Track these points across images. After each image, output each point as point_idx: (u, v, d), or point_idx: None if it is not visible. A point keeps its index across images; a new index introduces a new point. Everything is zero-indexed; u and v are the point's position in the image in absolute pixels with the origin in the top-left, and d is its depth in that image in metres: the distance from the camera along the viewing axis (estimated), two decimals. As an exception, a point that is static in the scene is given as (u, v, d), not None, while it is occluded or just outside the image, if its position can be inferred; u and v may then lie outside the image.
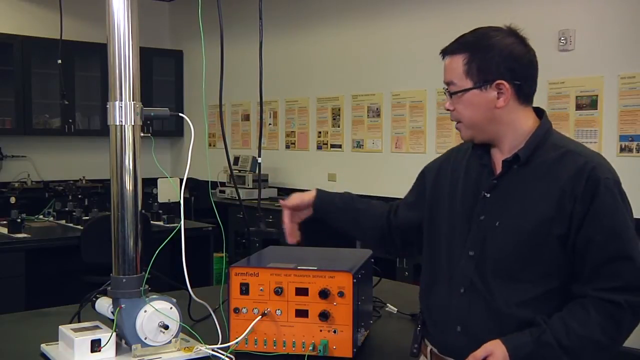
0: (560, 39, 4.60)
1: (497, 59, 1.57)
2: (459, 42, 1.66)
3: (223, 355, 1.75)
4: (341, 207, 2.03)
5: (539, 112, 1.67)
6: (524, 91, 1.60)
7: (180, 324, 1.81)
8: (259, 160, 2.42)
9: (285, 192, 6.72)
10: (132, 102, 1.78)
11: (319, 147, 6.66)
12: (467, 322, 1.61)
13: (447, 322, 1.65)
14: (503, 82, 1.56)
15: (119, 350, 1.79)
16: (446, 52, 1.69)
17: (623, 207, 1.52)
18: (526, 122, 1.63)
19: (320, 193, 2.01)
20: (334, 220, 2.02)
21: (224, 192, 6.91)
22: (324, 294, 1.77)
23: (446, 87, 1.68)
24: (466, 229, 1.64)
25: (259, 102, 2.20)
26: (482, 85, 1.58)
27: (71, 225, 4.82)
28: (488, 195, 1.63)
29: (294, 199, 2.00)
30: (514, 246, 1.57)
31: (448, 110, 1.68)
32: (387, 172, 5.95)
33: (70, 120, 7.34)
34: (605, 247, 1.49)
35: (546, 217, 1.53)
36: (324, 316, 1.77)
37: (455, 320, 1.63)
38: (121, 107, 1.77)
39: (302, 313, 1.79)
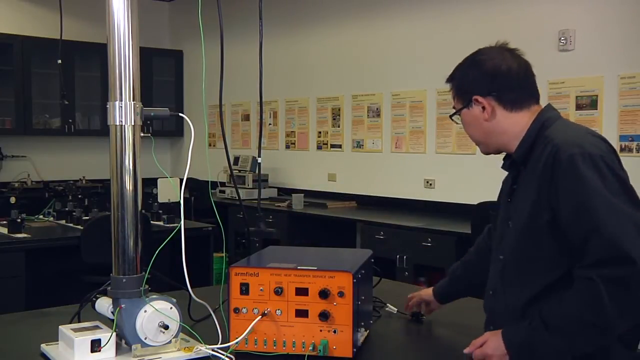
0: (560, 39, 4.60)
1: (470, 77, 1.72)
2: (453, 70, 1.81)
3: (223, 355, 1.75)
4: (462, 290, 2.13)
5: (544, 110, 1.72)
6: (507, 99, 1.68)
7: (180, 324, 1.81)
8: (259, 160, 2.42)
9: (285, 192, 6.73)
10: (132, 102, 1.78)
11: (319, 147, 6.66)
12: (495, 323, 1.71)
13: (486, 323, 1.79)
14: (477, 97, 1.69)
15: (119, 350, 1.79)
16: (447, 81, 1.84)
17: (593, 177, 1.48)
18: (520, 126, 1.69)
19: (438, 297, 2.12)
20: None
21: (224, 192, 6.91)
22: (324, 294, 1.77)
23: None
24: (500, 235, 1.75)
25: (259, 102, 2.20)
26: (467, 105, 1.72)
27: (71, 225, 4.82)
28: (509, 200, 1.74)
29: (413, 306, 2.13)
30: (518, 244, 1.64)
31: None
32: (387, 172, 5.95)
33: (70, 120, 7.34)
34: (577, 223, 1.49)
35: (535, 210, 1.59)
36: (324, 316, 1.77)
37: (488, 321, 1.77)
38: (121, 107, 1.77)
39: (302, 313, 1.79)
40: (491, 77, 1.68)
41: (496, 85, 1.68)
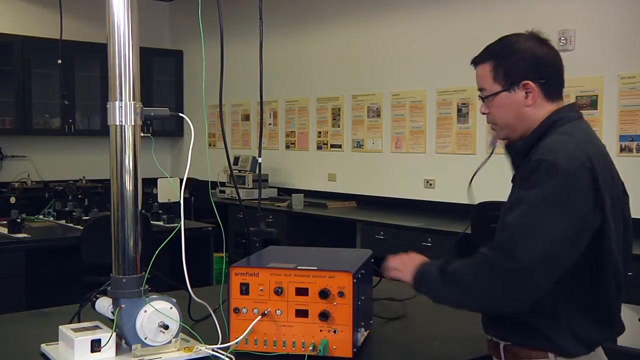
0: (560, 39, 4.60)
1: (521, 61, 1.67)
2: (486, 51, 1.76)
3: (223, 355, 1.75)
4: None
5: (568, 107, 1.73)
6: (549, 89, 1.69)
7: (180, 324, 1.81)
8: (259, 160, 2.42)
9: (285, 192, 6.73)
10: (132, 102, 1.78)
11: (319, 147, 6.66)
12: (485, 317, 1.81)
13: (482, 318, 1.84)
14: (529, 82, 1.66)
15: (119, 350, 1.79)
16: (475, 61, 1.78)
17: (541, 184, 1.51)
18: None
19: None
20: None
21: (224, 192, 6.91)
22: (324, 294, 1.77)
23: (480, 93, 1.78)
24: None
25: (259, 102, 2.20)
26: (509, 88, 1.68)
27: (71, 225, 4.82)
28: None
29: None
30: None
31: (484, 114, 1.77)
32: (387, 172, 5.95)
33: (70, 120, 7.34)
34: (504, 214, 1.58)
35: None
36: (324, 316, 1.77)
37: (482, 316, 1.83)
38: (121, 107, 1.77)
39: (302, 313, 1.79)
40: (541, 64, 1.67)
41: (545, 73, 1.68)
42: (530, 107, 1.68)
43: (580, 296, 1.62)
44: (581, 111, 1.78)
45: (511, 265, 1.50)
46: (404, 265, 1.79)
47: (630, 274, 3.64)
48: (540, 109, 1.69)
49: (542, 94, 1.68)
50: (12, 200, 5.02)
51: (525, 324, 1.63)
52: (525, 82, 1.66)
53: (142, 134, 1.81)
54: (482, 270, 1.55)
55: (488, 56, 1.73)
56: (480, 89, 1.76)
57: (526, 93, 1.67)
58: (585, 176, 1.52)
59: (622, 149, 4.32)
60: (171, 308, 1.80)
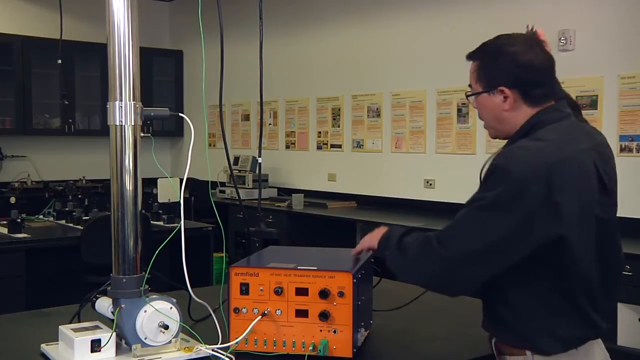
0: (560, 39, 4.60)
1: (501, 67, 1.67)
2: (478, 49, 1.75)
3: (223, 355, 1.75)
4: None
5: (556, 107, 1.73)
6: (531, 94, 1.67)
7: (180, 324, 1.81)
8: (259, 160, 2.42)
9: (285, 192, 6.73)
10: (132, 102, 1.78)
11: (319, 147, 6.66)
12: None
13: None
14: (504, 88, 1.66)
15: (119, 350, 1.79)
16: (468, 57, 1.78)
17: (489, 185, 1.57)
18: None
19: None
20: None
21: (224, 192, 6.91)
22: (324, 294, 1.77)
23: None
24: None
25: (259, 102, 2.21)
26: (489, 90, 1.69)
27: (71, 225, 4.82)
28: None
29: None
30: None
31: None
32: (387, 172, 5.95)
33: (70, 120, 7.34)
34: (461, 209, 1.65)
35: None
36: (324, 316, 1.77)
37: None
38: (121, 107, 1.77)
39: (302, 313, 1.79)
40: (521, 71, 1.66)
41: (525, 80, 1.66)
42: (508, 111, 1.68)
43: (550, 300, 1.62)
44: (567, 108, 1.76)
45: (442, 253, 1.61)
46: (372, 237, 1.88)
47: (630, 274, 3.66)
48: (520, 114, 1.68)
49: (521, 100, 1.67)
50: (12, 200, 5.02)
51: (506, 324, 1.68)
52: (502, 87, 1.67)
53: (142, 134, 1.81)
54: (422, 250, 1.67)
55: (477, 55, 1.74)
56: (469, 85, 1.78)
57: (504, 98, 1.68)
58: (537, 186, 1.51)
59: (622, 149, 4.32)
60: (171, 308, 1.80)
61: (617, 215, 1.72)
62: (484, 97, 1.71)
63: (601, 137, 1.77)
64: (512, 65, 1.66)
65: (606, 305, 1.70)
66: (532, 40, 1.70)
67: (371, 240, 1.88)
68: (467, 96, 1.77)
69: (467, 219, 1.60)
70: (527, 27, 1.73)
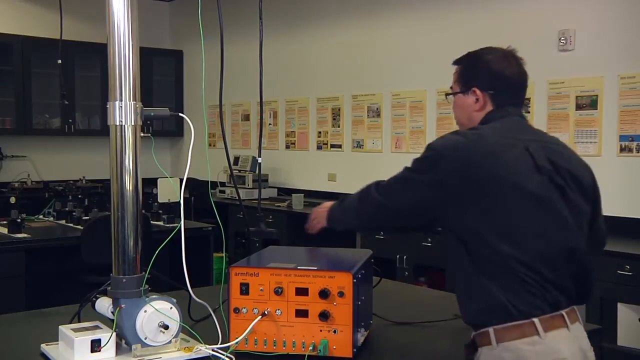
0: (560, 39, 4.60)
1: (477, 71, 1.90)
2: (461, 57, 1.97)
3: (223, 355, 1.75)
4: None
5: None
6: (498, 99, 1.88)
7: (180, 324, 1.81)
8: (259, 160, 2.42)
9: (285, 192, 6.73)
10: (132, 102, 1.78)
11: (319, 147, 6.66)
12: None
13: None
14: (477, 90, 1.88)
15: (119, 350, 1.79)
16: (453, 62, 1.99)
17: (418, 158, 1.82)
18: None
19: None
20: None
21: (224, 192, 6.91)
22: (324, 294, 1.77)
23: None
24: None
25: (259, 102, 2.21)
26: (465, 91, 1.91)
27: (71, 225, 4.82)
28: None
29: None
30: None
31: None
32: (387, 172, 5.88)
33: (70, 120, 7.34)
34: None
35: None
36: (324, 316, 1.77)
37: None
38: (121, 107, 1.77)
39: (302, 313, 1.79)
40: (494, 76, 1.88)
41: (495, 85, 1.87)
42: (478, 111, 1.89)
43: (494, 277, 1.70)
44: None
45: (380, 200, 1.85)
46: (318, 214, 2.07)
47: (630, 274, 3.66)
48: (484, 114, 1.90)
49: (490, 102, 1.88)
50: (12, 200, 5.02)
51: (468, 309, 1.78)
52: (474, 88, 1.88)
53: (142, 134, 1.81)
54: (362, 195, 1.91)
55: (459, 61, 1.96)
56: (450, 87, 1.98)
57: (475, 99, 1.88)
58: (451, 160, 1.73)
59: (622, 149, 4.32)
60: (171, 308, 1.80)
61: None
62: (460, 97, 1.93)
63: (550, 137, 1.94)
64: (486, 70, 1.89)
65: (563, 280, 1.72)
66: (509, 54, 1.93)
67: (320, 219, 2.06)
68: (447, 95, 1.98)
69: (400, 178, 1.84)
70: (509, 46, 1.97)
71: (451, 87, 1.96)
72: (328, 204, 2.07)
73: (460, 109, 1.94)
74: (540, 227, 1.70)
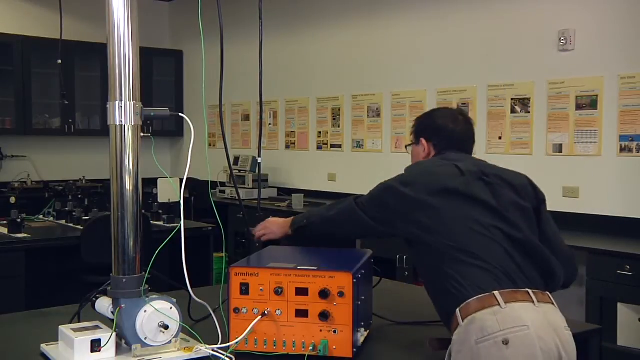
0: (560, 39, 4.60)
1: (424, 125, 2.28)
2: (418, 116, 2.37)
3: (223, 355, 1.75)
4: None
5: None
6: (440, 149, 2.19)
7: (180, 324, 1.81)
8: (259, 160, 2.43)
9: (285, 192, 6.73)
10: (132, 102, 1.78)
11: (319, 147, 6.66)
12: None
13: None
14: (423, 139, 2.24)
15: (119, 350, 1.79)
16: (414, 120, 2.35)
17: (394, 179, 2.09)
18: None
19: None
20: None
21: (224, 192, 6.91)
22: (324, 294, 1.77)
23: None
24: None
25: (259, 102, 2.22)
26: (416, 142, 2.27)
27: (71, 225, 4.81)
28: None
29: None
30: None
31: None
32: (387, 172, 5.89)
33: (70, 120, 7.34)
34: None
35: None
36: (324, 316, 1.77)
37: None
38: (121, 107, 1.77)
39: (302, 313, 1.79)
40: (437, 129, 2.22)
41: (438, 137, 2.20)
42: (424, 157, 2.22)
43: (444, 269, 1.87)
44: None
45: (355, 206, 2.12)
46: (269, 225, 2.31)
47: (630, 274, 3.65)
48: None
49: (433, 150, 2.21)
50: (12, 200, 5.02)
51: (438, 303, 1.94)
52: (422, 139, 2.24)
53: (142, 134, 1.82)
54: (348, 213, 2.14)
55: (417, 119, 2.33)
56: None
57: (423, 148, 2.23)
58: (405, 186, 2.01)
59: (622, 149, 4.32)
60: (171, 308, 1.80)
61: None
62: (413, 147, 2.28)
63: (475, 160, 2.17)
64: (431, 124, 2.25)
65: (507, 261, 1.85)
66: (457, 112, 2.30)
67: (271, 231, 2.29)
68: (406, 147, 2.37)
69: (375, 196, 2.11)
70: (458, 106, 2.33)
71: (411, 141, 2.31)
72: (276, 219, 2.33)
73: (413, 156, 2.29)
74: (466, 213, 1.91)
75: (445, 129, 2.21)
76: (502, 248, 1.86)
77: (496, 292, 1.77)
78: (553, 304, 1.85)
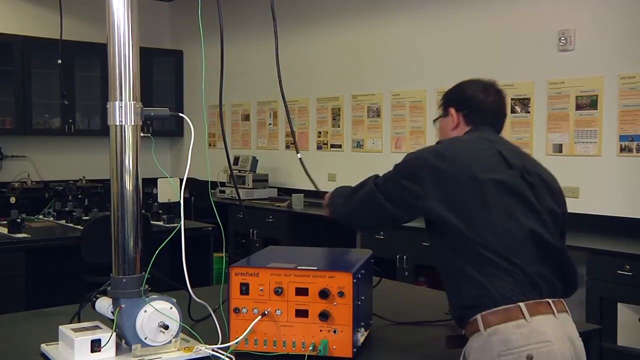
0: (560, 39, 4.60)
1: (454, 95, 2.12)
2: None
3: (223, 355, 1.75)
4: None
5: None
6: (470, 120, 2.06)
7: (180, 324, 1.81)
8: (299, 156, 2.43)
9: (285, 192, 6.73)
10: (132, 102, 1.78)
11: (319, 147, 6.66)
12: None
13: None
14: (452, 109, 2.08)
15: (119, 350, 1.79)
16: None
17: (403, 161, 1.94)
18: None
19: None
20: None
21: (224, 192, 6.91)
22: (324, 294, 1.77)
23: None
24: None
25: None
26: (444, 114, 2.12)
27: (71, 225, 4.81)
28: None
29: None
30: None
31: None
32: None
33: (70, 120, 7.34)
34: None
35: None
36: (324, 316, 1.77)
37: None
38: (121, 107, 1.77)
39: (302, 313, 1.79)
40: (467, 99, 2.07)
41: (468, 107, 2.06)
42: (454, 129, 2.07)
43: (471, 266, 1.78)
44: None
45: (370, 188, 1.95)
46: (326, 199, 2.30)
47: (630, 274, 3.65)
48: (461, 132, 2.07)
49: (464, 122, 2.06)
50: (12, 200, 5.02)
51: (456, 302, 1.86)
52: (451, 109, 2.08)
53: (142, 134, 1.81)
54: (356, 187, 2.04)
55: (444, 92, 2.16)
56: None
57: (452, 119, 2.07)
58: (427, 165, 1.85)
59: (622, 149, 4.32)
60: (171, 308, 1.80)
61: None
62: (441, 119, 2.14)
63: (522, 150, 2.08)
64: (461, 95, 2.09)
65: (537, 267, 1.78)
66: (490, 85, 2.10)
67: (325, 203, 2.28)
68: (434, 121, 2.20)
69: (389, 179, 1.95)
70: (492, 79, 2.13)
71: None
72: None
73: (442, 130, 2.14)
74: (509, 211, 1.80)
75: (475, 99, 2.06)
76: (535, 254, 1.79)
77: (522, 304, 1.72)
78: (567, 311, 1.83)
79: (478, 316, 1.75)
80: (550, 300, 1.77)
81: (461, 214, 1.79)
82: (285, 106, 2.27)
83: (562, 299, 1.84)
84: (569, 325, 1.81)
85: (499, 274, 1.75)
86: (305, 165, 2.32)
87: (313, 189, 2.43)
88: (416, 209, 1.90)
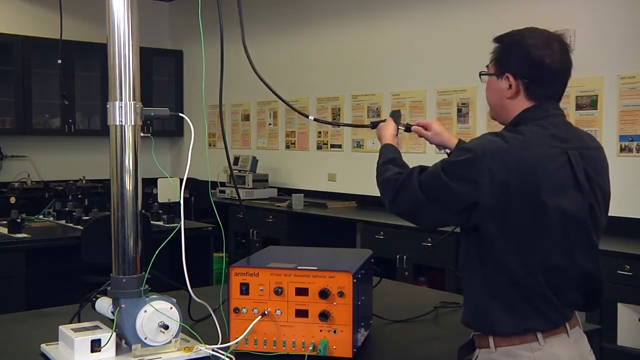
0: (560, 39, 4.60)
1: (513, 56, 1.75)
2: (503, 34, 1.80)
3: (223, 355, 1.75)
4: None
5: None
6: (532, 89, 1.74)
7: (180, 324, 1.81)
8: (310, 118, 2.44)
9: (285, 192, 6.73)
10: (132, 102, 1.78)
11: (319, 147, 6.66)
12: None
13: None
14: (510, 75, 1.74)
15: (119, 350, 1.79)
16: (494, 39, 1.82)
17: (452, 162, 1.71)
18: None
19: None
20: None
21: (224, 192, 6.91)
22: (324, 294, 1.77)
23: None
24: None
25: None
26: (499, 75, 1.77)
27: (71, 225, 4.82)
28: None
29: None
30: None
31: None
32: (387, 172, 5.93)
33: (70, 120, 7.34)
34: None
35: None
36: (324, 316, 1.77)
37: None
38: (121, 107, 1.77)
39: (302, 313, 1.79)
40: (530, 65, 1.72)
41: (530, 75, 1.73)
42: (510, 99, 1.76)
43: (496, 287, 1.67)
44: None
45: (410, 180, 1.81)
46: (380, 130, 2.31)
47: (630, 274, 3.65)
48: (518, 105, 1.76)
49: (523, 92, 1.75)
50: (12, 200, 5.03)
51: (471, 312, 1.74)
52: (508, 74, 1.74)
53: (142, 134, 1.82)
54: (404, 183, 1.84)
55: (500, 39, 1.79)
56: (487, 66, 1.85)
57: (509, 85, 1.75)
58: (486, 164, 1.61)
59: (622, 149, 4.32)
60: (171, 308, 1.80)
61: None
62: (493, 79, 1.79)
63: (587, 138, 1.87)
64: (524, 57, 1.72)
65: (568, 297, 1.69)
66: (554, 39, 1.75)
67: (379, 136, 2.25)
68: (481, 75, 1.85)
69: (435, 175, 1.72)
70: (557, 30, 1.79)
71: (487, 66, 1.83)
72: (388, 129, 2.36)
73: (493, 92, 1.81)
74: (569, 249, 1.65)
75: (541, 65, 1.71)
76: (571, 287, 1.69)
77: (538, 334, 1.65)
78: (579, 324, 1.76)
79: (490, 337, 1.68)
80: (565, 337, 1.69)
81: (515, 239, 1.62)
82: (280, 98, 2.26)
83: (575, 312, 1.75)
84: (582, 344, 1.74)
85: (524, 305, 1.64)
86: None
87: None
88: (461, 217, 1.68)
